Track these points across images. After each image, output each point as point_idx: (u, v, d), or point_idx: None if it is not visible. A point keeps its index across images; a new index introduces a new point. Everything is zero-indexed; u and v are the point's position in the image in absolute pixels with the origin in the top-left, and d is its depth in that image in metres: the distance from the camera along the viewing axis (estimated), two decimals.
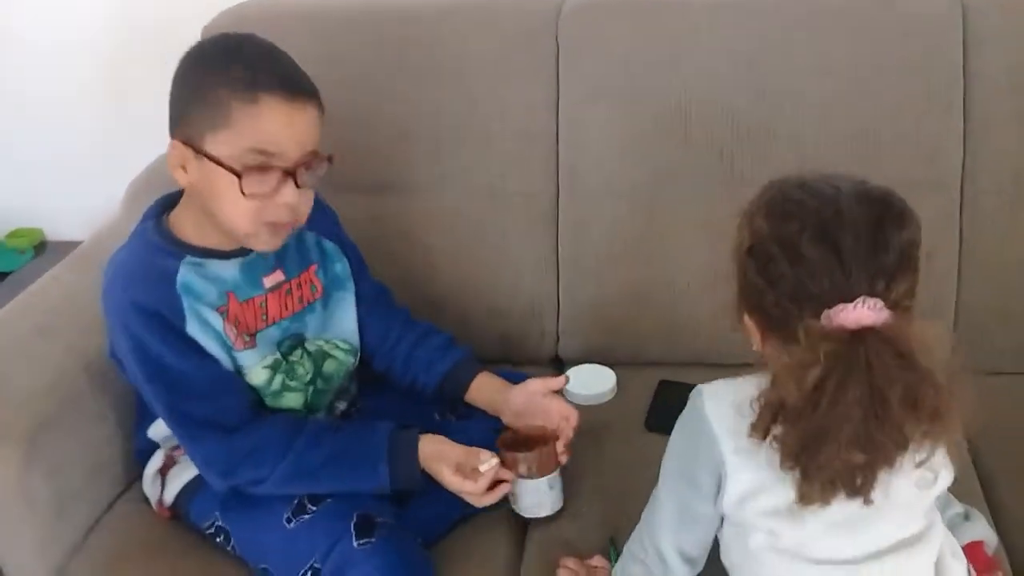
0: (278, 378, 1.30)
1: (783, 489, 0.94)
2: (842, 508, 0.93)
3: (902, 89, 1.52)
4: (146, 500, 1.38)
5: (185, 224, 1.26)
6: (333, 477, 1.22)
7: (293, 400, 1.32)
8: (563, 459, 1.31)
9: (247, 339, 1.27)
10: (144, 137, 1.66)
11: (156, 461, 1.35)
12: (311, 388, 1.35)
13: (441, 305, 1.62)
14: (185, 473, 1.32)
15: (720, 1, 1.57)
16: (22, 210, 2.19)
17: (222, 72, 1.16)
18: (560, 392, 1.42)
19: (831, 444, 0.87)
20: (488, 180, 1.62)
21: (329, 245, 1.41)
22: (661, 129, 1.56)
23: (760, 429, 0.93)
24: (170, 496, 1.33)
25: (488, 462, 1.23)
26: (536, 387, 1.38)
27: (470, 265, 1.64)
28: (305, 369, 1.34)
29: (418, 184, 1.64)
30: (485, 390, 1.42)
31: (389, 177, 1.64)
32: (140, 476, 1.40)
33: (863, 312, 0.88)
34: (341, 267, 1.41)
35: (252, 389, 1.28)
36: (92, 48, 2.00)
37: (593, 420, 1.43)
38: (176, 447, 1.34)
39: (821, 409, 0.87)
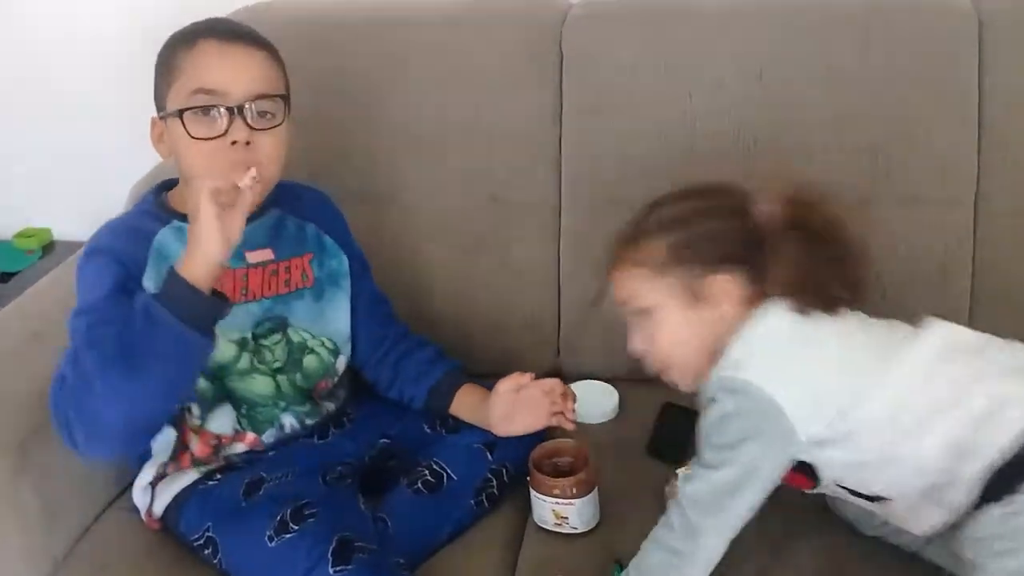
0: (245, 356, 1.30)
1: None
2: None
3: (915, 102, 1.48)
4: (135, 510, 1.37)
5: (179, 197, 1.31)
6: (138, 349, 1.12)
7: (261, 384, 1.32)
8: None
9: None
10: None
11: (147, 474, 1.34)
12: (280, 376, 1.34)
13: (440, 317, 1.61)
14: (176, 484, 1.31)
15: (728, 10, 1.54)
16: (31, 210, 2.19)
17: (175, 36, 1.27)
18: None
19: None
20: (490, 189, 1.60)
21: (329, 241, 1.42)
22: (665, 140, 1.53)
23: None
24: (160, 507, 1.32)
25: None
26: (507, 386, 1.35)
27: (470, 276, 1.62)
28: (275, 356, 1.33)
29: (419, 193, 1.62)
30: (467, 402, 1.41)
31: (390, 186, 1.62)
32: (130, 485, 1.39)
33: None
34: (338, 264, 1.42)
35: (217, 368, 1.28)
36: (103, 50, 2.00)
37: (595, 440, 1.41)
38: (165, 463, 1.33)
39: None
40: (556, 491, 1.27)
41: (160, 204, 1.32)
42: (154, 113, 1.29)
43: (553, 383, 1.36)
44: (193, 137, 1.20)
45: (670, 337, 1.16)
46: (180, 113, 1.20)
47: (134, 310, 1.14)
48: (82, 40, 2.00)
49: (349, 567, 1.12)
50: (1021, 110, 1.46)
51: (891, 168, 1.49)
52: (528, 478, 1.30)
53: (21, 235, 2.15)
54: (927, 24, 1.48)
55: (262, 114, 1.23)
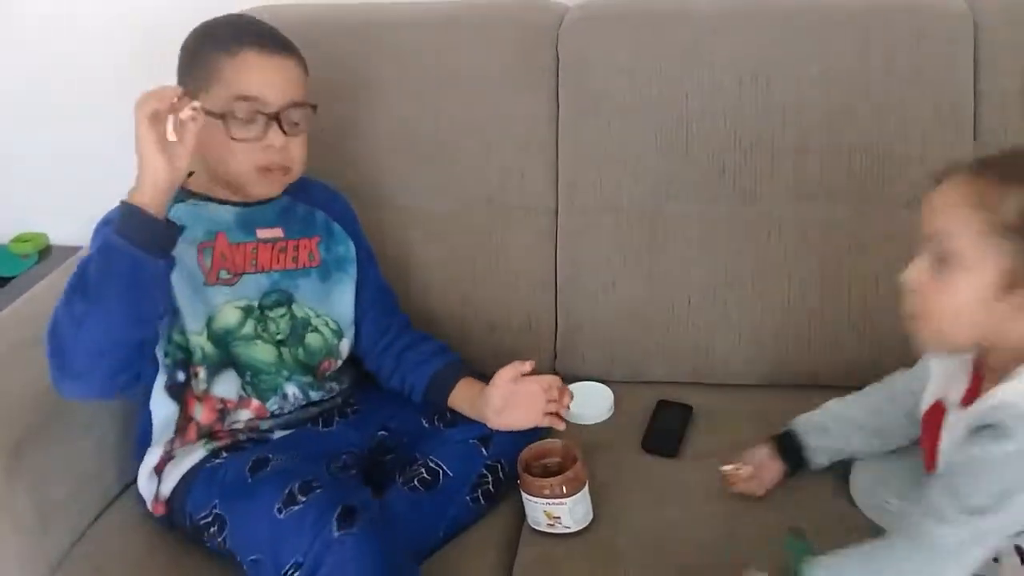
0: (250, 323, 1.36)
1: None
2: None
3: (910, 105, 1.48)
4: (132, 511, 1.37)
5: (194, 180, 1.37)
6: (92, 274, 1.16)
7: (264, 352, 1.37)
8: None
9: (227, 275, 1.36)
10: None
11: (152, 458, 1.35)
12: (284, 348, 1.39)
13: (437, 318, 1.61)
14: (183, 464, 1.32)
15: (723, 12, 1.54)
16: (27, 214, 2.18)
17: (207, 39, 1.34)
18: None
19: None
20: (487, 192, 1.60)
21: (337, 228, 1.48)
22: (662, 143, 1.54)
23: None
24: (167, 488, 1.33)
25: None
26: (506, 375, 1.37)
27: (467, 279, 1.62)
28: (279, 327, 1.39)
29: (415, 196, 1.62)
30: (465, 394, 1.43)
31: (387, 188, 1.63)
32: (127, 487, 1.40)
33: None
34: (345, 250, 1.47)
35: (223, 332, 1.34)
36: (99, 54, 2.00)
37: (589, 440, 1.41)
38: (171, 440, 1.34)
39: None
40: (546, 491, 1.27)
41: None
42: None
43: (551, 380, 1.39)
44: (235, 139, 1.30)
45: (957, 301, 0.99)
46: (222, 117, 1.29)
47: (96, 243, 1.21)
48: (79, 44, 2.00)
49: (353, 529, 1.13)
50: (1016, 111, 1.46)
51: (887, 170, 1.49)
52: (518, 481, 1.30)
53: (17, 240, 2.15)
54: (923, 26, 1.48)
55: (294, 123, 1.34)
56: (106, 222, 1.30)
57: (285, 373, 1.39)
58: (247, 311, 1.36)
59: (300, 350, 1.40)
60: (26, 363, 1.35)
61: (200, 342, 1.33)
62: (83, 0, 1.96)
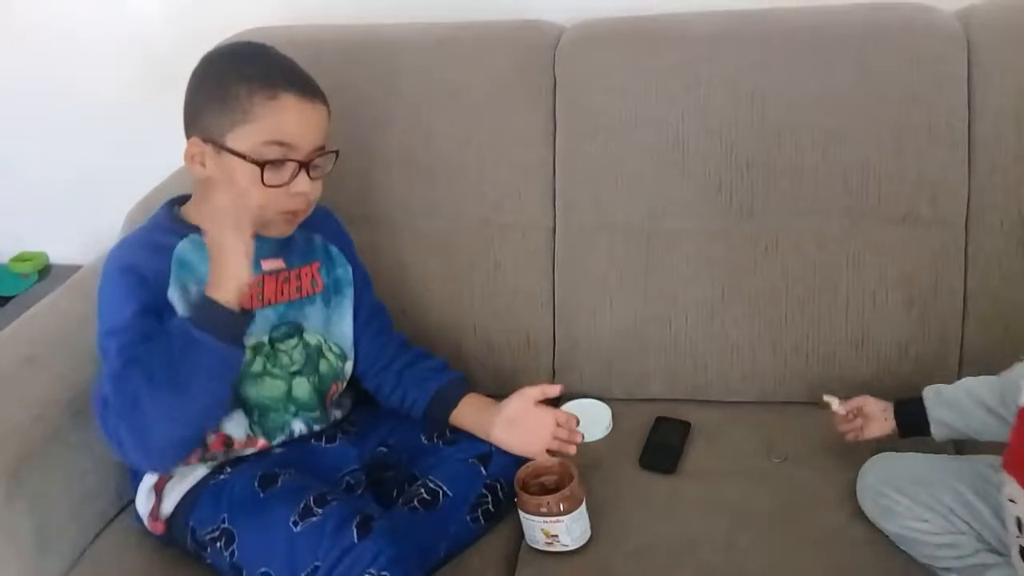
0: (259, 360, 1.34)
1: None
2: None
3: (905, 123, 1.49)
4: (131, 531, 1.37)
5: (195, 213, 1.35)
6: (182, 370, 1.18)
7: (272, 387, 1.36)
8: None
9: None
10: (150, 161, 1.68)
11: (151, 477, 1.35)
12: (296, 378, 1.37)
13: (435, 337, 1.61)
14: (185, 482, 1.32)
15: (720, 32, 1.55)
16: (27, 234, 2.19)
17: (241, 73, 1.28)
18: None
19: None
20: (483, 212, 1.61)
21: (335, 250, 1.47)
22: (659, 162, 1.54)
23: None
24: (169, 506, 1.32)
25: None
26: (532, 393, 1.39)
27: (464, 297, 1.62)
28: (292, 359, 1.37)
29: (412, 214, 1.63)
30: (472, 410, 1.43)
31: (383, 207, 1.63)
32: (125, 508, 1.40)
33: None
34: (343, 272, 1.47)
35: None
36: (100, 75, 2.01)
37: (588, 457, 1.41)
38: None
39: None
40: (543, 509, 1.27)
41: (175, 218, 1.36)
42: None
43: (569, 417, 1.39)
44: (266, 185, 1.27)
45: None
46: (258, 162, 1.26)
47: (172, 333, 1.20)
48: (80, 64, 2.01)
49: (371, 534, 1.16)
50: (1010, 130, 1.47)
51: (882, 188, 1.49)
52: (515, 499, 1.30)
53: (17, 259, 2.16)
54: (917, 46, 1.49)
55: (317, 167, 1.32)
56: (119, 269, 1.28)
57: (292, 409, 1.37)
58: (257, 348, 1.34)
59: (315, 377, 1.39)
60: (25, 383, 1.36)
61: None
62: (84, 19, 1.98)
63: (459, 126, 1.60)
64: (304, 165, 1.29)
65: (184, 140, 1.31)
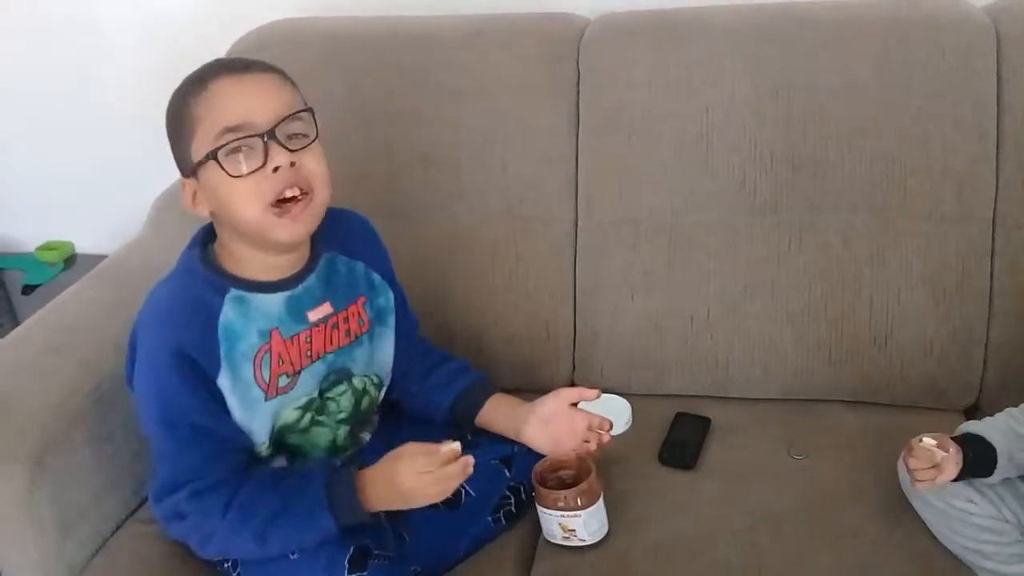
0: (308, 416, 1.30)
1: None
2: None
3: (932, 118, 1.47)
4: (153, 522, 1.37)
5: (226, 256, 1.25)
6: (279, 533, 1.18)
7: (320, 435, 1.32)
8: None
9: (286, 381, 1.25)
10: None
11: None
12: (343, 427, 1.34)
13: (456, 330, 1.61)
14: None
15: (743, 25, 1.54)
16: (52, 223, 2.21)
17: (179, 93, 1.20)
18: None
19: None
20: (506, 205, 1.60)
21: (377, 278, 1.39)
22: (681, 156, 1.53)
23: None
24: None
25: (448, 444, 1.18)
26: (570, 395, 1.37)
27: (486, 291, 1.62)
28: (339, 407, 1.32)
29: (435, 208, 1.62)
30: (501, 408, 1.41)
31: (406, 201, 1.63)
32: (147, 499, 1.40)
33: None
34: (385, 301, 1.40)
35: (281, 430, 1.28)
36: (123, 63, 2.02)
37: (607, 452, 1.40)
38: None
39: None
40: (560, 503, 1.27)
41: (209, 264, 1.25)
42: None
43: (602, 422, 1.37)
44: (234, 176, 1.15)
45: None
46: (213, 155, 1.14)
47: (292, 486, 1.20)
48: (103, 54, 2.02)
49: (364, 573, 1.13)
50: None
51: (908, 183, 1.48)
52: (533, 493, 1.30)
53: (43, 248, 2.18)
54: (944, 38, 1.47)
55: (294, 136, 1.18)
56: (161, 344, 1.19)
57: (329, 452, 1.35)
58: (306, 407, 1.29)
59: (356, 419, 1.36)
60: (50, 371, 1.36)
61: (259, 449, 1.28)
62: (108, 12, 1.99)
63: (482, 119, 1.59)
64: (269, 135, 1.15)
65: None
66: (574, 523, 1.27)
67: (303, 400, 1.28)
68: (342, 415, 1.33)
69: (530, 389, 1.56)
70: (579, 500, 1.26)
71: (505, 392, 1.45)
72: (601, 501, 1.29)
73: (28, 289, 2.07)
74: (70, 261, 2.17)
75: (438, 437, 1.39)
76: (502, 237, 1.61)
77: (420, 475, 1.15)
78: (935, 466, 1.19)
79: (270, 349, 1.23)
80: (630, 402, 1.56)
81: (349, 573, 1.13)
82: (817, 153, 1.50)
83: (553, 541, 1.31)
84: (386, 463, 1.19)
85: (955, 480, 1.21)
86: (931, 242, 1.49)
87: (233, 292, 1.22)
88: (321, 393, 1.30)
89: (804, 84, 1.50)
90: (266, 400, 1.24)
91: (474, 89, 1.60)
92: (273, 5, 1.78)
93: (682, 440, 1.47)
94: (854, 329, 1.51)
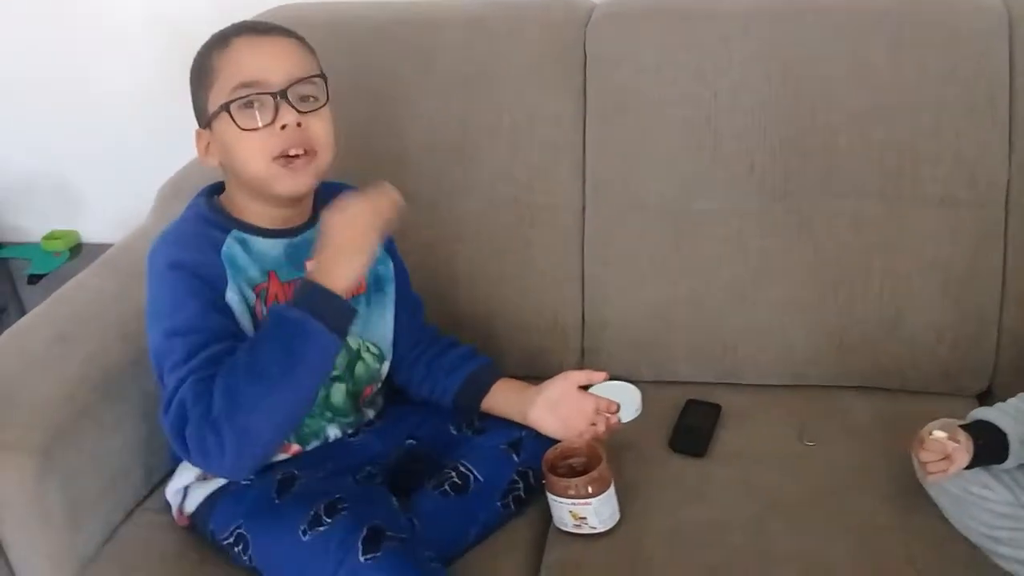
0: None
1: None
2: None
3: (943, 102, 1.45)
4: (162, 511, 1.38)
5: (230, 205, 1.32)
6: (284, 366, 1.16)
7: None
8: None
9: None
10: (180, 140, 1.68)
11: (183, 478, 1.34)
12: (335, 384, 1.35)
13: (464, 317, 1.61)
14: (210, 484, 1.32)
15: (753, 9, 1.52)
16: (58, 212, 2.21)
17: (206, 44, 1.28)
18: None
19: None
20: (513, 191, 1.59)
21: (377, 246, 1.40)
22: (690, 141, 1.52)
23: None
24: (192, 505, 1.32)
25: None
26: (577, 377, 1.37)
27: (494, 277, 1.61)
28: (335, 364, 1.32)
29: (442, 194, 1.62)
30: (508, 391, 1.41)
31: (413, 187, 1.60)
32: (156, 487, 1.41)
33: None
34: (384, 270, 1.43)
35: None
36: (130, 52, 2.02)
37: (617, 439, 1.40)
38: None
39: None
40: (571, 491, 1.26)
41: (215, 209, 1.32)
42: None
43: (610, 404, 1.36)
44: (243, 129, 1.22)
45: None
46: (227, 107, 1.22)
47: (276, 323, 1.19)
48: (109, 43, 2.02)
49: (378, 554, 1.12)
50: None
51: (919, 168, 1.47)
52: (543, 481, 1.30)
53: (49, 237, 2.17)
54: (957, 22, 1.46)
55: (305, 98, 1.26)
56: (171, 265, 1.24)
57: (328, 415, 1.36)
58: None
59: (351, 382, 1.37)
60: (56, 361, 1.36)
61: None
62: (117, 1, 1.98)
63: (489, 104, 1.58)
64: (281, 95, 1.22)
65: None
66: (585, 511, 1.27)
67: None
68: (335, 372, 1.34)
69: (538, 376, 1.53)
70: (590, 488, 1.26)
71: (514, 377, 1.44)
72: (612, 489, 1.28)
73: (34, 279, 2.07)
74: (75, 250, 2.17)
75: (445, 422, 1.42)
76: (510, 224, 1.60)
77: (351, 221, 1.21)
78: (946, 457, 1.19)
79: (268, 287, 1.29)
80: (639, 388, 1.55)
81: (363, 554, 1.12)
82: (827, 139, 1.49)
83: (564, 529, 1.30)
84: (319, 245, 1.21)
85: (968, 467, 1.21)
86: (942, 228, 1.48)
87: (236, 233, 1.29)
88: None
89: (814, 69, 1.49)
90: None
91: (481, 75, 1.58)
92: None
93: (692, 427, 1.47)
94: (865, 315, 1.51)
